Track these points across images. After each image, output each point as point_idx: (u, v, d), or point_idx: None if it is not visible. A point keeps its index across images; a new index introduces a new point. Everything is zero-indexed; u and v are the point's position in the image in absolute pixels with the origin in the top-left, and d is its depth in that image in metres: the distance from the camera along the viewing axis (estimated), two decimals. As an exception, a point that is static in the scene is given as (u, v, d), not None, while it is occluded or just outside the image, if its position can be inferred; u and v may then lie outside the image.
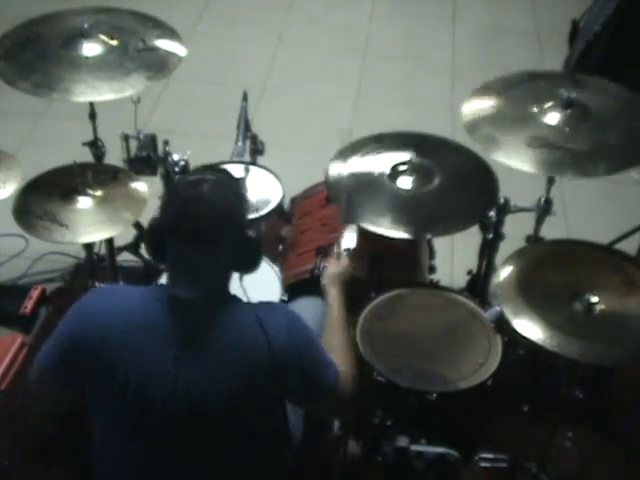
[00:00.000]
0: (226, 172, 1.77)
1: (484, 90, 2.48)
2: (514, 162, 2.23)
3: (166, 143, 2.57)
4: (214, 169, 1.77)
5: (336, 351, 1.82)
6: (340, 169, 2.40)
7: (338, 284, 2.05)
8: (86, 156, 2.65)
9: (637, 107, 2.41)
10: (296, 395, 1.76)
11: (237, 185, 1.74)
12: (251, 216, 2.47)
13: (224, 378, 1.64)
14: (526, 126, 2.32)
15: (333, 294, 2.03)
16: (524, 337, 2.01)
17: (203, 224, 1.63)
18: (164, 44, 2.52)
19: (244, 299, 1.73)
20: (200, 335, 1.65)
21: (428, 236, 2.56)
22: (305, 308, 2.12)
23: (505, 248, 2.47)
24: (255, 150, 2.74)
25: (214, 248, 1.66)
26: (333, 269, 2.10)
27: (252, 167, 2.71)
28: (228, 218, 1.66)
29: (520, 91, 2.46)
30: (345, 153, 2.45)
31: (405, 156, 2.40)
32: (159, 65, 2.46)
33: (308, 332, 1.75)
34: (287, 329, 1.69)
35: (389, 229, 2.21)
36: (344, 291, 2.05)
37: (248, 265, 1.74)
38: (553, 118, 2.32)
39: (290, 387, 1.71)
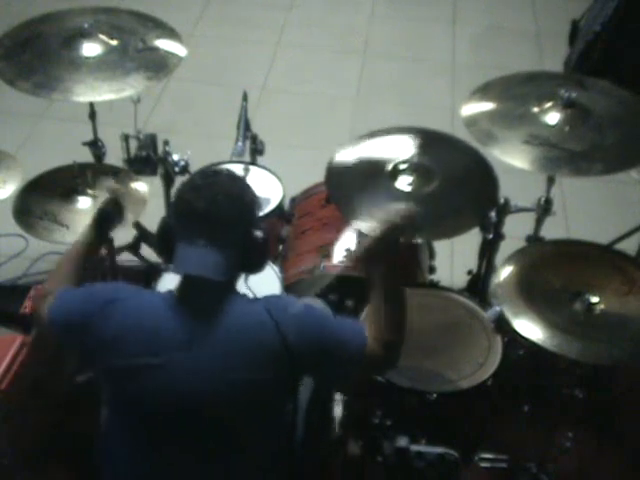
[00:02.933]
0: (238, 174, 1.81)
1: (486, 88, 2.49)
2: (510, 158, 2.23)
3: (166, 143, 2.57)
4: (225, 169, 1.81)
5: (376, 315, 1.79)
6: (340, 168, 2.40)
7: (380, 258, 1.84)
8: (86, 156, 2.65)
9: (638, 110, 2.41)
10: (325, 376, 1.78)
11: (249, 186, 1.77)
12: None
13: (237, 372, 1.65)
14: (525, 124, 2.32)
15: (379, 271, 1.83)
16: (524, 337, 2.01)
17: (215, 211, 1.65)
18: (164, 44, 2.52)
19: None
20: (212, 329, 1.66)
21: (419, 240, 2.55)
22: None
23: (505, 248, 2.47)
24: (255, 150, 2.74)
25: (224, 236, 1.67)
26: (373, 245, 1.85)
27: (252, 167, 2.71)
28: (239, 208, 1.70)
29: (522, 90, 2.46)
30: (345, 151, 2.45)
31: (408, 142, 2.40)
32: (159, 65, 2.45)
33: (318, 314, 1.75)
34: (297, 317, 1.69)
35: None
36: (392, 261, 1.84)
37: (254, 264, 1.76)
38: (553, 117, 2.32)
39: (315, 370, 1.73)
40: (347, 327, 1.76)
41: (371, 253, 1.84)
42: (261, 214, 2.53)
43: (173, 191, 2.57)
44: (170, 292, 1.73)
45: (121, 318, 1.69)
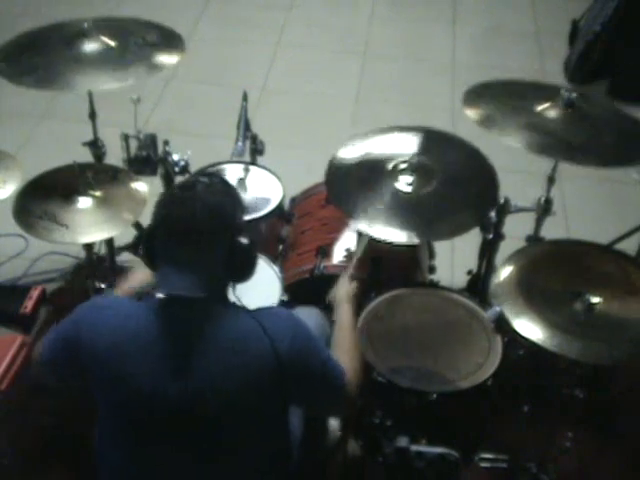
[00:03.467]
0: (220, 177, 1.80)
1: (487, 87, 2.49)
2: (508, 139, 2.24)
3: (166, 143, 2.57)
4: (208, 174, 1.80)
5: (343, 359, 1.82)
6: (340, 168, 2.40)
7: (348, 301, 2.07)
8: (86, 156, 2.65)
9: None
10: (305, 397, 1.76)
11: (230, 189, 1.75)
12: (251, 216, 2.48)
13: (229, 383, 1.64)
14: (526, 115, 2.33)
15: (344, 309, 2.04)
16: (524, 337, 2.01)
17: (193, 224, 1.64)
18: (160, 56, 2.53)
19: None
20: (200, 340, 1.65)
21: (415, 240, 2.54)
22: (304, 317, 2.11)
23: (505, 248, 2.47)
24: (255, 150, 2.74)
25: (205, 249, 1.66)
26: (345, 288, 2.11)
27: (252, 167, 2.71)
28: (219, 218, 1.67)
29: (523, 91, 2.47)
30: (345, 151, 2.45)
31: (410, 141, 2.41)
32: (160, 58, 2.47)
33: (311, 335, 1.75)
34: (292, 334, 1.69)
35: (387, 231, 2.20)
36: (354, 307, 2.07)
37: (240, 272, 1.74)
38: (551, 116, 2.33)
39: (299, 390, 1.71)
40: (332, 356, 1.78)
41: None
42: (261, 214, 2.53)
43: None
44: (157, 299, 1.70)
45: (111, 328, 1.68)
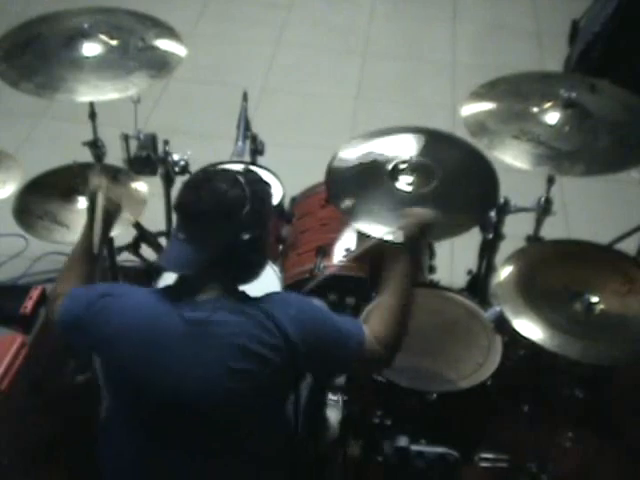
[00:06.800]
0: (262, 179, 1.79)
1: (493, 84, 2.50)
2: (497, 152, 2.25)
3: (166, 143, 2.58)
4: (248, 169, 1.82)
5: (381, 310, 1.80)
6: (340, 167, 2.40)
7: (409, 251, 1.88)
8: (86, 156, 2.65)
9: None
10: (322, 372, 1.78)
11: (255, 188, 1.71)
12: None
13: (237, 369, 1.65)
14: (520, 120, 2.32)
15: (401, 259, 1.86)
16: (524, 337, 2.01)
17: (200, 204, 1.66)
18: (163, 44, 2.51)
19: None
20: (209, 325, 1.66)
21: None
22: None
23: (505, 248, 2.47)
24: (255, 150, 2.74)
25: (206, 231, 1.67)
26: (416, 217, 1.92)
27: (252, 167, 2.71)
28: (227, 206, 1.66)
29: (528, 88, 2.47)
30: (345, 151, 2.45)
31: (409, 142, 2.41)
32: (161, 63, 2.45)
33: (317, 310, 1.76)
34: (295, 315, 1.69)
35: (387, 230, 2.19)
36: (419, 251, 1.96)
37: (244, 271, 1.74)
38: (552, 117, 2.32)
39: (315, 366, 1.73)
40: (346, 323, 1.76)
41: (395, 250, 1.86)
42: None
43: (173, 191, 2.59)
44: (167, 287, 1.74)
45: (120, 314, 1.69)
